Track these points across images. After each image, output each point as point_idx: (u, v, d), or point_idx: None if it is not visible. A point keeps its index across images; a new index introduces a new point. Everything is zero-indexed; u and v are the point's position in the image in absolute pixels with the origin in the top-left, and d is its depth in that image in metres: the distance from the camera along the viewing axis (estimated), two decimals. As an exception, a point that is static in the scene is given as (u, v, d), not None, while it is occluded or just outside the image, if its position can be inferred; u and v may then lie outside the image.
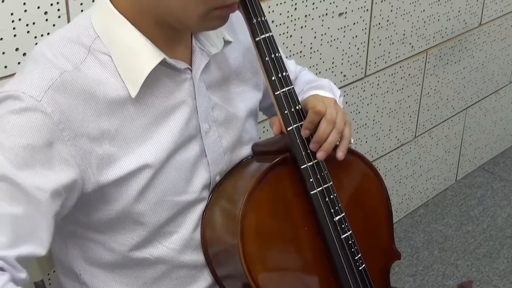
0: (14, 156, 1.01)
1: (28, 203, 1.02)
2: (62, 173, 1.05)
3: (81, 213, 1.14)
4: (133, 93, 1.10)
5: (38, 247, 1.05)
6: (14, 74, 1.42)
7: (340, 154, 1.22)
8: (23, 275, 1.03)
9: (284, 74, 1.20)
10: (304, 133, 1.20)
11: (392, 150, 2.63)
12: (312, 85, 1.40)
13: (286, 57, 2.03)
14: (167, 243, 1.21)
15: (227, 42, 1.23)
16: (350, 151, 1.31)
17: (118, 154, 1.10)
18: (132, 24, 1.10)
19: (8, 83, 1.08)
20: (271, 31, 1.20)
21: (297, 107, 1.21)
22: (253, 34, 1.20)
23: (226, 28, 1.21)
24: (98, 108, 1.08)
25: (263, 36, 1.19)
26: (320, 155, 1.20)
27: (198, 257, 1.24)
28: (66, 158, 1.05)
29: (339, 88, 2.26)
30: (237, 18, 1.24)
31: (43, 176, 1.03)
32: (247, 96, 1.30)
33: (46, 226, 1.05)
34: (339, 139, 1.23)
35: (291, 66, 1.46)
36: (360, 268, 1.25)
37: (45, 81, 1.05)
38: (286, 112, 1.20)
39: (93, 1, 1.16)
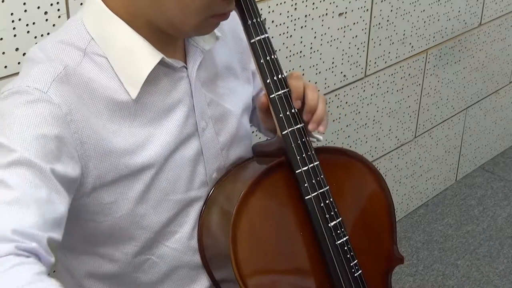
0: (28, 145, 0.98)
1: (50, 188, 0.99)
2: (68, 166, 1.03)
3: (86, 226, 1.13)
4: (133, 94, 1.10)
5: (60, 233, 1.00)
6: (14, 74, 1.44)
7: (322, 128, 1.20)
8: (52, 259, 0.97)
9: (280, 76, 1.18)
10: (296, 104, 1.19)
11: (392, 150, 2.63)
12: None
13: (286, 57, 2.04)
14: (168, 243, 1.21)
15: (217, 38, 1.21)
16: (352, 155, 1.29)
17: (119, 154, 1.10)
18: (128, 24, 1.09)
19: (9, 84, 1.06)
20: (267, 33, 1.18)
21: (292, 111, 1.19)
22: (248, 36, 1.18)
23: None
24: (99, 108, 1.08)
25: (258, 37, 1.17)
26: (312, 127, 1.19)
27: (198, 257, 1.24)
28: (72, 152, 1.04)
29: (339, 88, 2.27)
30: None
31: (55, 165, 1.01)
32: (240, 91, 1.29)
33: (65, 211, 1.02)
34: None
35: None
36: (355, 274, 1.24)
37: (48, 75, 1.04)
38: (281, 115, 1.18)
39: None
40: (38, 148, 0.99)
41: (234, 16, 1.21)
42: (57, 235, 0.99)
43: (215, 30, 1.20)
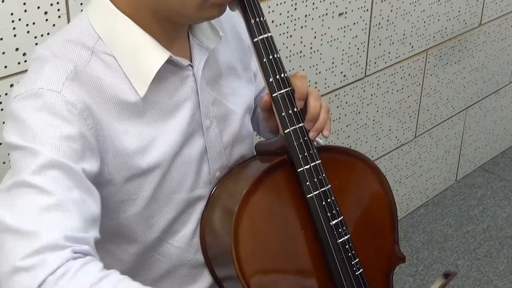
0: (55, 147, 0.99)
1: (81, 188, 0.99)
2: (92, 162, 1.04)
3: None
4: (142, 92, 1.10)
5: (98, 231, 1.01)
6: (14, 74, 1.44)
7: (326, 132, 1.21)
8: (98, 258, 0.98)
9: (282, 75, 1.18)
10: (299, 104, 1.19)
11: (392, 150, 2.63)
12: None
13: (286, 57, 2.04)
14: (171, 241, 1.21)
15: (220, 37, 1.22)
16: (354, 154, 1.29)
17: (129, 153, 1.10)
18: (134, 22, 1.09)
19: (16, 87, 1.06)
20: (270, 32, 1.18)
21: (294, 109, 1.19)
22: (251, 35, 1.18)
23: (216, 24, 1.20)
24: (108, 107, 1.08)
25: (261, 36, 1.17)
26: (313, 135, 1.19)
27: (200, 255, 1.24)
28: (93, 147, 1.05)
29: (339, 88, 2.27)
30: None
31: (82, 164, 1.01)
32: (243, 91, 1.30)
33: (98, 209, 1.03)
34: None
35: None
36: (356, 273, 1.23)
37: (60, 74, 1.04)
38: (283, 114, 1.18)
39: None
40: (64, 149, 0.99)
41: (234, 15, 1.21)
42: (97, 233, 1.01)
43: (219, 29, 1.20)
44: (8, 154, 1.06)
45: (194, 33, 1.19)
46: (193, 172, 1.19)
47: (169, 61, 1.12)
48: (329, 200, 1.20)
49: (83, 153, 1.02)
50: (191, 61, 1.17)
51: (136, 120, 1.11)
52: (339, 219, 1.21)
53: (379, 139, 2.54)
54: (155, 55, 1.10)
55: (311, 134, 1.20)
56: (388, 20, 2.34)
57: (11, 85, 1.44)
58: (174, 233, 1.21)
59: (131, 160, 1.10)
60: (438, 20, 2.55)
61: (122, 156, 1.09)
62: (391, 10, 2.33)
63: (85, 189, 1.00)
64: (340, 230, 1.21)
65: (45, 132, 0.99)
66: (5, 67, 1.43)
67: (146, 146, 1.12)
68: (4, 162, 1.47)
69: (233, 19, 1.23)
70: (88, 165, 1.03)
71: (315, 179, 1.19)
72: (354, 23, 2.21)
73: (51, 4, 1.46)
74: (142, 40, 1.10)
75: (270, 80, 1.18)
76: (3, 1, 1.38)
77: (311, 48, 2.10)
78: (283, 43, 2.01)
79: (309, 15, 2.05)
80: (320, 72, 2.17)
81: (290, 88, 1.19)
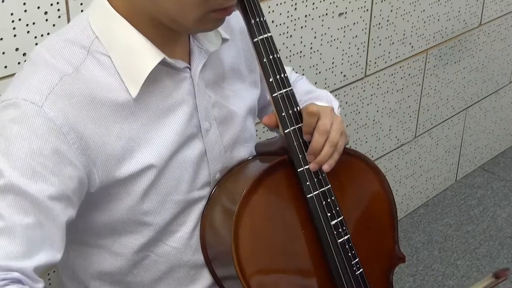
0: (23, 164, 1.01)
1: (40, 212, 1.02)
2: (70, 178, 1.05)
3: (88, 216, 1.14)
4: (134, 93, 1.10)
5: (53, 254, 1.04)
6: (14, 74, 1.43)
7: (326, 166, 1.18)
8: (40, 285, 1.02)
9: (282, 75, 1.18)
10: (307, 137, 1.19)
11: (392, 150, 2.63)
12: (310, 96, 1.39)
13: (286, 57, 2.03)
14: (169, 242, 1.21)
15: (224, 40, 1.22)
16: (354, 154, 1.29)
17: (122, 155, 1.10)
18: (131, 24, 1.10)
19: (8, 89, 1.07)
20: (269, 32, 1.19)
21: (295, 109, 1.19)
22: (251, 35, 1.18)
23: (223, 26, 1.21)
24: (100, 111, 1.08)
25: (261, 37, 1.18)
26: (313, 167, 1.18)
27: (198, 256, 1.24)
28: (73, 162, 1.05)
29: (339, 88, 2.27)
30: (233, 16, 1.22)
31: (52, 183, 1.03)
32: (246, 94, 1.29)
33: (59, 231, 1.05)
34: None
35: (288, 74, 1.44)
36: (356, 273, 1.24)
37: (45, 86, 1.04)
38: (283, 114, 1.18)
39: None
40: (33, 166, 1.01)
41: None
42: (50, 257, 1.04)
43: (223, 32, 1.20)
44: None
45: (195, 36, 1.19)
46: (190, 174, 1.19)
47: (164, 63, 1.12)
48: (329, 200, 1.20)
49: (57, 169, 1.03)
50: (190, 63, 1.17)
51: (128, 121, 1.11)
52: (339, 219, 1.22)
53: (379, 139, 2.54)
54: (148, 56, 1.10)
55: (311, 166, 1.19)
56: (388, 20, 2.34)
57: (11, 85, 1.44)
58: (171, 233, 1.21)
59: (122, 163, 1.10)
60: (438, 20, 2.55)
61: (114, 160, 1.10)
62: (391, 10, 2.33)
63: (45, 212, 1.02)
64: (340, 230, 1.22)
65: (16, 146, 1.01)
66: (5, 67, 1.43)
67: (138, 147, 1.12)
68: None
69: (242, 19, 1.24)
70: (60, 182, 1.04)
71: (315, 179, 1.20)
72: (354, 23, 2.21)
73: (51, 4, 1.46)
74: (137, 41, 1.10)
75: (270, 80, 1.18)
76: (3, 1, 1.38)
77: (311, 48, 2.10)
78: (283, 43, 2.01)
79: (309, 15, 2.05)
80: (320, 72, 2.17)
81: (290, 88, 1.19)
